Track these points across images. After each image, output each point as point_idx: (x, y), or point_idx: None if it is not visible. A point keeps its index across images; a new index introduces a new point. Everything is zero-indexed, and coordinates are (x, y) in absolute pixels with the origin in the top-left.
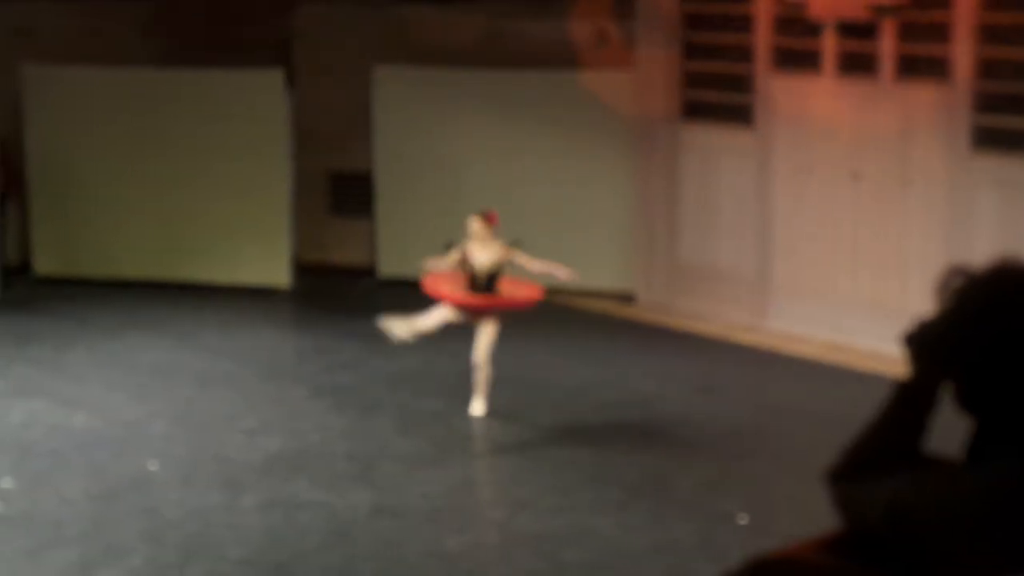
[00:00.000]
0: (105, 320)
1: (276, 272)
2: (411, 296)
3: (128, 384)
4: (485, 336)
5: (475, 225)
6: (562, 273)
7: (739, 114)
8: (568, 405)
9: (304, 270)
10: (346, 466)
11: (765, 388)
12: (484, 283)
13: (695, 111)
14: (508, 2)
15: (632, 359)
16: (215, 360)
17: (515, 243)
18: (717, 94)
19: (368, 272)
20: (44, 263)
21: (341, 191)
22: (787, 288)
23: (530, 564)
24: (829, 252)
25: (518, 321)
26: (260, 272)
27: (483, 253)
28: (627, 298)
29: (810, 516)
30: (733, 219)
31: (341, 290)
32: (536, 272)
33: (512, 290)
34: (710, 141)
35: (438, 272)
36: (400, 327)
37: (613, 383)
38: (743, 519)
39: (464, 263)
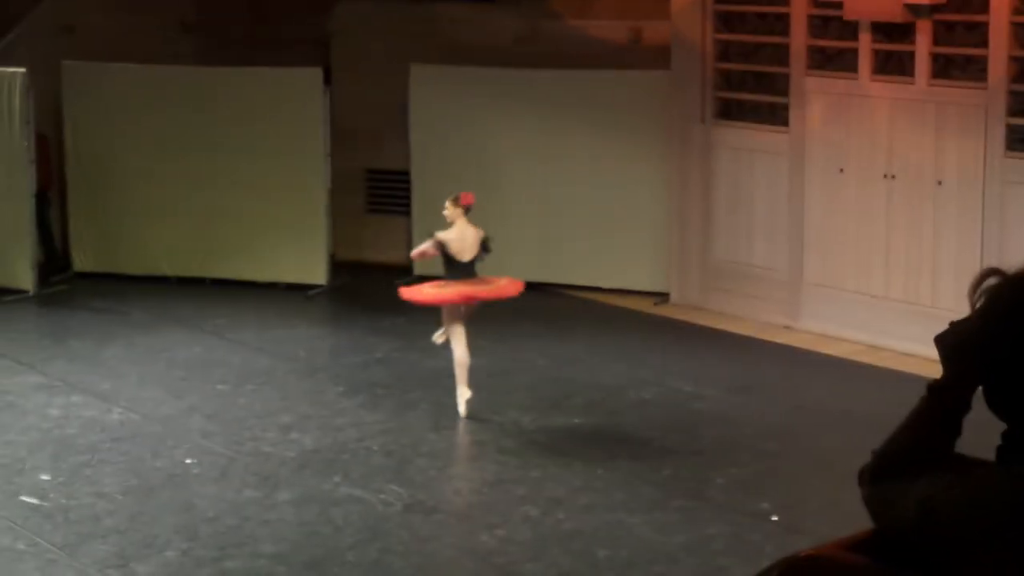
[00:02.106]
0: (143, 316)
1: (313, 269)
2: None
3: (165, 380)
4: (464, 332)
5: (447, 209)
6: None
7: (773, 114)
8: (602, 403)
9: (340, 268)
10: (381, 462)
11: (798, 388)
12: (470, 266)
13: (729, 111)
14: (543, 2)
15: (666, 358)
16: (252, 356)
17: (486, 238)
18: (751, 94)
19: (405, 270)
20: (83, 259)
21: (378, 189)
22: (820, 288)
23: (563, 562)
24: (862, 252)
25: (555, 320)
26: (297, 269)
27: (465, 236)
28: (662, 297)
29: (842, 516)
30: (767, 219)
31: (377, 288)
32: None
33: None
34: (744, 141)
35: (414, 251)
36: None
37: (647, 382)
38: (776, 518)
39: (445, 253)
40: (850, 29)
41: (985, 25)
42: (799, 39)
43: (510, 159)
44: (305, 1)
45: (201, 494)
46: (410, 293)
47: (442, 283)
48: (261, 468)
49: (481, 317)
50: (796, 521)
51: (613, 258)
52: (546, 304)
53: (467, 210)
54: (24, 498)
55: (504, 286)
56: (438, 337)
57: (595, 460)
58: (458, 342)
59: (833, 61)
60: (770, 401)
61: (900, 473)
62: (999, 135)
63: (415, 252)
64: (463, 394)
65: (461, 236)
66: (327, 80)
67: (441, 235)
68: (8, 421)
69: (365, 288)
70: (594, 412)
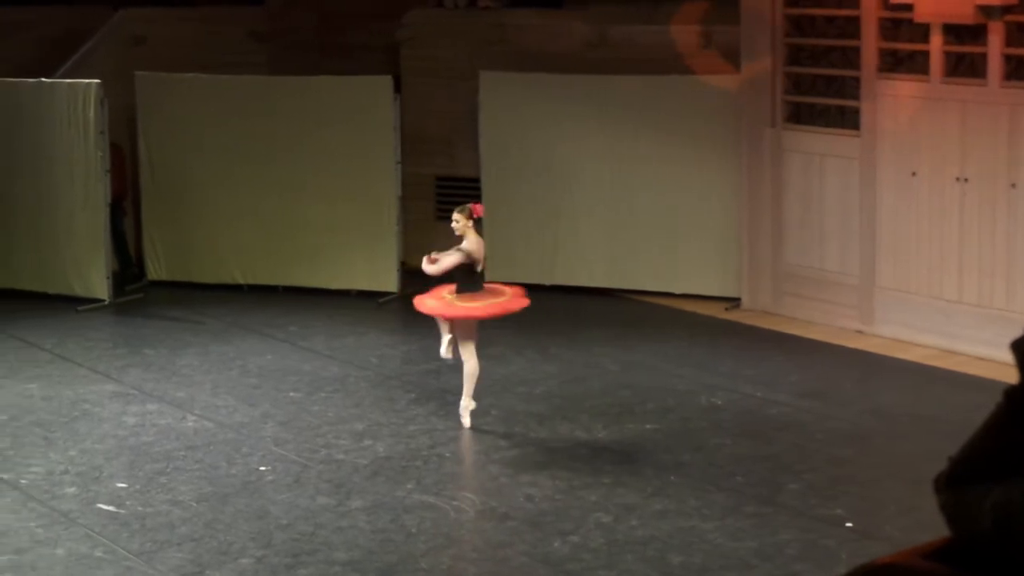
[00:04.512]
0: (216, 324)
1: (384, 277)
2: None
3: (238, 387)
4: (472, 362)
5: (457, 221)
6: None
7: (844, 118)
8: (674, 409)
9: (411, 275)
10: (453, 469)
11: (871, 393)
12: (481, 276)
13: (800, 115)
14: (612, 7)
15: (738, 364)
16: (324, 364)
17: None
18: (822, 98)
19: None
20: (156, 268)
21: (448, 196)
22: (893, 292)
23: (636, 568)
24: (935, 256)
25: (626, 326)
26: (368, 277)
27: (476, 246)
28: (733, 302)
29: (918, 522)
30: (838, 223)
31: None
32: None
33: (497, 290)
34: (815, 145)
35: (441, 267)
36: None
37: (719, 387)
38: (850, 525)
39: (473, 262)
40: (921, 31)
41: None
42: (870, 42)
43: (580, 165)
44: (375, 9)
45: (275, 501)
46: (439, 309)
47: (468, 296)
48: (334, 475)
49: (551, 323)
50: (871, 527)
51: (684, 263)
52: (617, 310)
53: (478, 222)
54: (101, 506)
55: (510, 301)
56: (448, 351)
57: (667, 466)
58: (472, 353)
59: (904, 64)
60: (843, 406)
61: (976, 479)
62: None
63: (443, 267)
64: (468, 405)
65: (478, 248)
66: (397, 88)
67: (466, 247)
68: (85, 429)
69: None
70: (666, 418)
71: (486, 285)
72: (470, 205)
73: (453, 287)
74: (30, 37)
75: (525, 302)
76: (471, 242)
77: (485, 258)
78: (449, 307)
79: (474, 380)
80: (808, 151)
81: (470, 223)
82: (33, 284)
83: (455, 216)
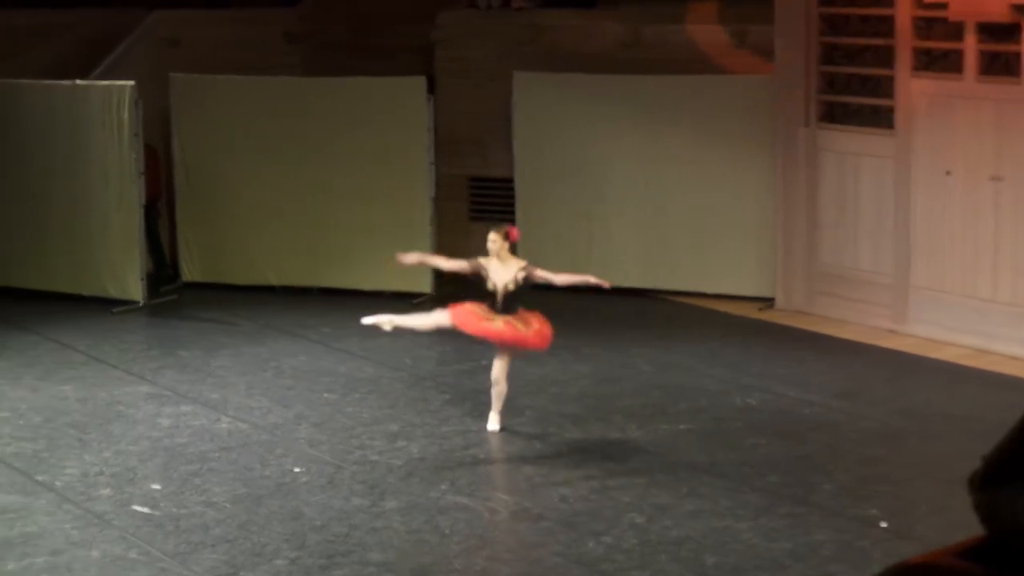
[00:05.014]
0: (250, 325)
1: (418, 278)
2: (550, 301)
3: (272, 389)
4: (505, 358)
5: (494, 242)
6: (594, 280)
7: (878, 117)
8: (707, 409)
9: (445, 276)
10: (486, 470)
11: (906, 393)
12: (503, 303)
13: (834, 114)
14: (645, 6)
15: (771, 363)
16: (358, 365)
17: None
18: (856, 97)
19: None
20: (191, 269)
21: (481, 197)
22: (927, 292)
23: (670, 568)
24: (969, 255)
25: (659, 326)
26: (402, 278)
27: (502, 271)
28: (766, 302)
29: (952, 522)
30: (873, 222)
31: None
32: (563, 284)
33: (528, 318)
34: (849, 144)
35: (445, 266)
36: (383, 320)
37: (752, 387)
38: (884, 524)
39: (482, 280)
40: (955, 30)
41: None
42: (904, 41)
43: (614, 165)
44: (408, 10)
45: (309, 502)
46: (461, 317)
47: (490, 314)
48: (368, 476)
49: (584, 324)
50: (905, 527)
51: (717, 263)
52: (650, 310)
53: (512, 246)
54: (136, 507)
55: (530, 335)
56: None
57: (701, 466)
58: (495, 363)
59: (938, 63)
60: (876, 406)
61: (1010, 478)
62: None
63: (443, 266)
64: (491, 423)
65: (503, 271)
66: (431, 88)
67: (482, 261)
68: (120, 431)
69: (469, 296)
70: (699, 418)
71: (521, 311)
72: (507, 227)
73: (487, 304)
74: (64, 39)
75: (543, 344)
76: (492, 259)
77: (510, 283)
78: (471, 319)
79: (495, 388)
80: (842, 150)
81: (506, 245)
82: (68, 286)
83: (491, 236)
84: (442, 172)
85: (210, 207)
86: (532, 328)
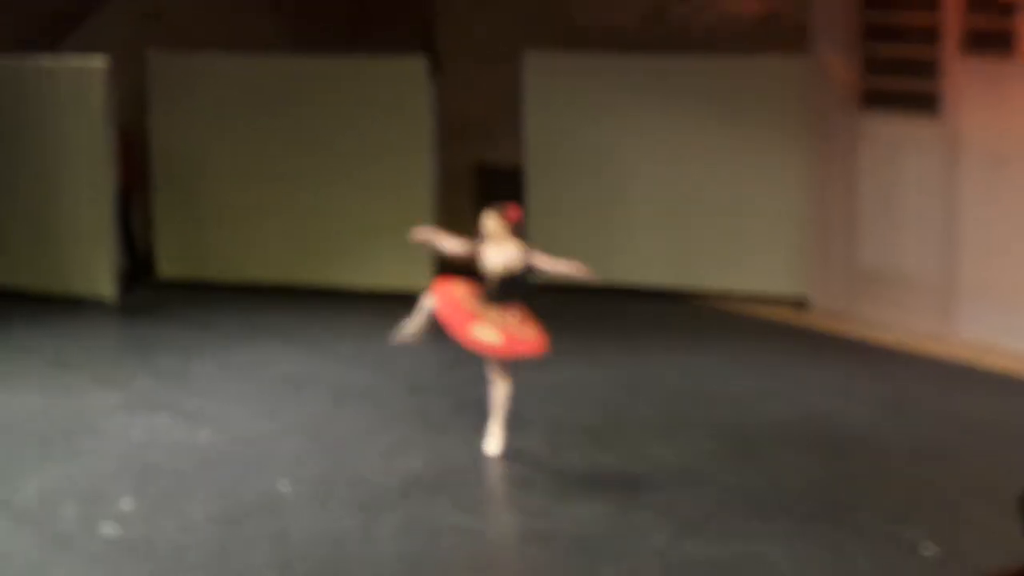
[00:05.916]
0: (233, 327)
1: (419, 275)
2: (567, 300)
3: (257, 397)
4: (499, 371)
5: (490, 222)
6: (582, 271)
7: (924, 102)
8: (736, 420)
9: (449, 272)
10: (492, 488)
11: (953, 403)
12: (496, 289)
13: (876, 99)
14: None
15: (806, 371)
16: (351, 371)
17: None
18: (900, 80)
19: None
20: (168, 265)
21: (489, 186)
22: (977, 293)
23: None
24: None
25: (684, 330)
26: (401, 275)
27: (497, 254)
28: (801, 304)
29: (1003, 545)
30: (918, 217)
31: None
32: (558, 272)
33: (523, 326)
34: (892, 132)
35: (448, 248)
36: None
37: (785, 397)
38: (929, 550)
39: (476, 262)
40: (1009, 7)
41: None
42: (952, 19)
43: (634, 154)
44: None
45: (295, 524)
46: (447, 308)
47: (485, 308)
48: (361, 494)
49: (602, 327)
50: (952, 552)
51: (748, 261)
52: (676, 312)
53: (515, 227)
54: (104, 529)
55: (524, 344)
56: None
57: (729, 484)
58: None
59: (989, 43)
60: (922, 419)
61: None
62: None
63: (442, 245)
64: (495, 432)
65: (503, 255)
66: (432, 68)
67: (480, 244)
68: (87, 445)
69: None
70: (726, 430)
71: (518, 305)
72: (507, 207)
73: (481, 289)
74: (30, 9)
75: (536, 353)
76: (493, 246)
77: (505, 268)
78: (458, 313)
79: (504, 406)
80: (885, 138)
81: (500, 225)
82: (32, 282)
83: (486, 216)
84: (445, 160)
85: (191, 197)
86: (527, 329)
